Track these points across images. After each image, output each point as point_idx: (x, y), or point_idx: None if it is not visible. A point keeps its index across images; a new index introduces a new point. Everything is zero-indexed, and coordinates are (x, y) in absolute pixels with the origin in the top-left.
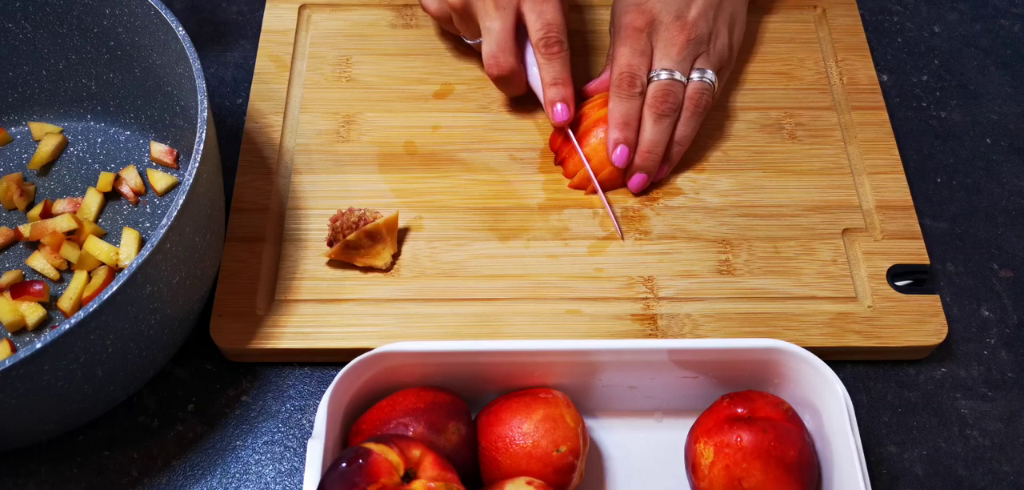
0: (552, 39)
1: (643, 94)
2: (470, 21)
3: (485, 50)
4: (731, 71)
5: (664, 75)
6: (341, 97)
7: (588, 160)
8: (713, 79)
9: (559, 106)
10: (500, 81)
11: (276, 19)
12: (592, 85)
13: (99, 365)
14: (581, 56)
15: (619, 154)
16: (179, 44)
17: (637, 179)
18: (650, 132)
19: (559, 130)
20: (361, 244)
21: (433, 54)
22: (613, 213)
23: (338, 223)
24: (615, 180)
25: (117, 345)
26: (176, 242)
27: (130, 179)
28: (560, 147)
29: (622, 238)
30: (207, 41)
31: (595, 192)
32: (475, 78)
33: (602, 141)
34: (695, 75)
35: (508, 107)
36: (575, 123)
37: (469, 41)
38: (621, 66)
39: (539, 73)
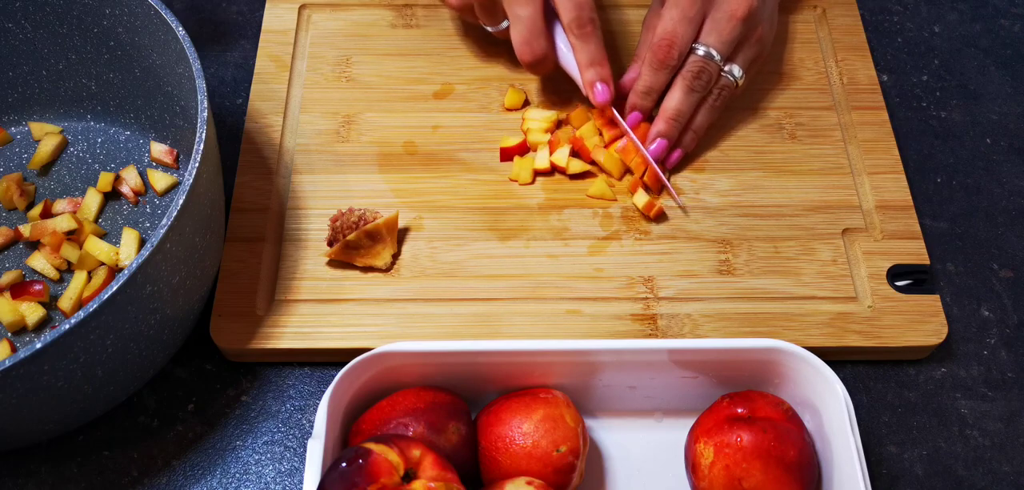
0: (584, 19)
1: (676, 69)
2: (493, 9)
3: (516, 37)
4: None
5: (702, 51)
6: (341, 97)
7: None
8: (738, 76)
9: (599, 86)
10: (532, 66)
11: (276, 19)
12: (627, 78)
13: (99, 365)
14: None
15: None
16: (179, 44)
17: (660, 145)
18: (676, 99)
19: (601, 111)
20: (361, 244)
21: (433, 54)
22: (671, 188)
23: (338, 223)
24: (653, 176)
25: (117, 345)
26: (176, 242)
27: (130, 179)
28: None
29: (686, 212)
30: (207, 41)
31: (656, 176)
32: (475, 78)
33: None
34: (726, 65)
35: (508, 107)
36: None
37: (490, 28)
38: (665, 29)
39: (573, 55)
